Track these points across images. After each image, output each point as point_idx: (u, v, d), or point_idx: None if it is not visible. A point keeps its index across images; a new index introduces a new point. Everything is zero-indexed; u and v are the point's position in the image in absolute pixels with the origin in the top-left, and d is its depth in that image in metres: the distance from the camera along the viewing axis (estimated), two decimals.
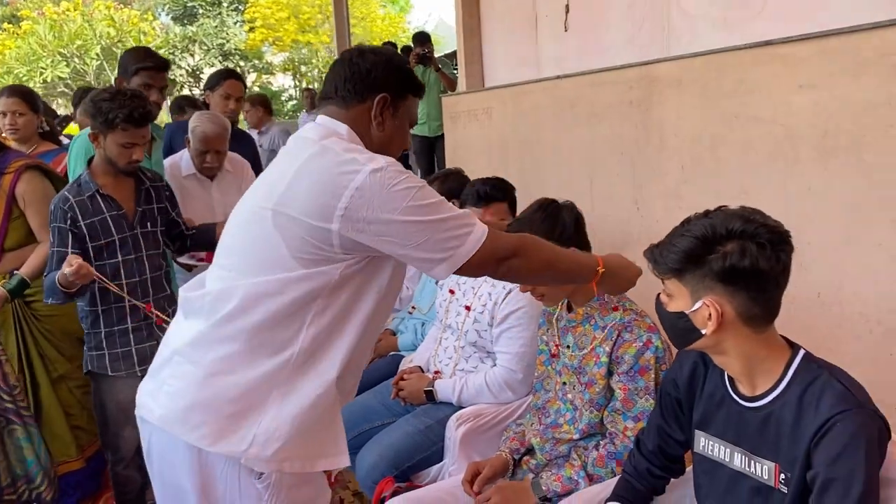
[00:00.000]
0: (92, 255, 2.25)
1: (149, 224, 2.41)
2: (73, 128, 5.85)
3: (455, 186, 2.83)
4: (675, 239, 1.33)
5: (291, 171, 1.38)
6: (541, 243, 1.49)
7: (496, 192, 2.39)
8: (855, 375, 2.50)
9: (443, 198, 1.39)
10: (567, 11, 4.12)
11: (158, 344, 2.15)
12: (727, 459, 1.39)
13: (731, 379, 1.41)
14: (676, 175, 3.36)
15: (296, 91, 23.12)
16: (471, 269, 1.38)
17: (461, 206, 2.45)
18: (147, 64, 2.78)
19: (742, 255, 1.25)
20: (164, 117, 8.68)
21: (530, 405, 2.07)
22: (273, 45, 21.44)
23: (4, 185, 2.59)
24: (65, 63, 17.45)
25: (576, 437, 1.86)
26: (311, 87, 13.46)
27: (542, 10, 4.65)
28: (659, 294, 1.44)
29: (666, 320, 1.39)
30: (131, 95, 2.25)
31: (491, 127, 5.32)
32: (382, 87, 1.47)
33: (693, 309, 1.30)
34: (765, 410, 1.33)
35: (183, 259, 2.79)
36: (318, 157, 1.37)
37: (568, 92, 4.24)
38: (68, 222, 2.23)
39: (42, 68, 17.12)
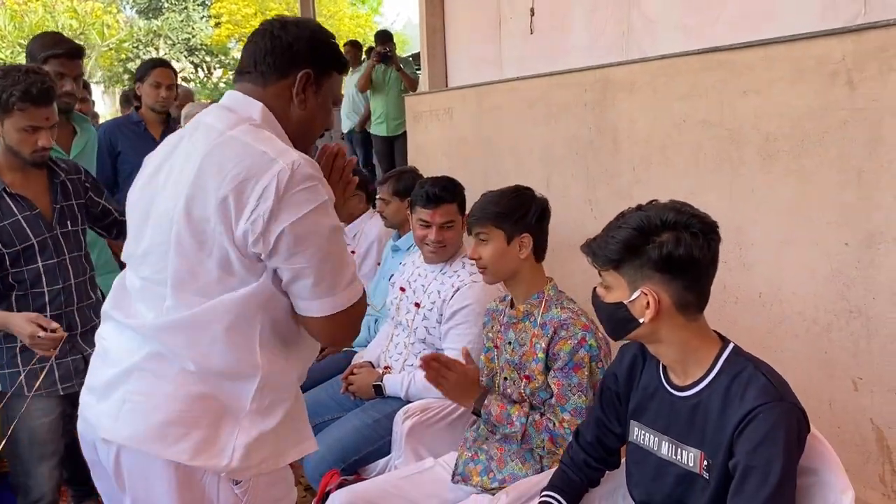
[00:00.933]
0: (8, 263, 2.00)
1: (69, 223, 2.15)
2: None
3: (409, 185, 2.86)
4: (612, 231, 1.38)
5: (193, 170, 1.28)
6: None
7: (445, 193, 2.41)
8: (792, 372, 2.59)
9: (340, 226, 1.34)
10: (532, 14, 4.18)
11: (84, 359, 2.07)
12: (656, 448, 1.44)
13: (664, 370, 1.46)
14: (629, 176, 3.43)
15: None
16: (326, 324, 1.34)
17: (411, 207, 2.47)
18: (57, 51, 2.55)
19: (677, 244, 1.31)
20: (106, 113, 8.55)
21: None
22: (239, 41, 21.25)
23: None
24: (24, 54, 17.10)
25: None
26: None
27: (506, 12, 4.70)
28: (595, 288, 1.48)
29: (604, 312, 1.43)
30: (27, 70, 1.96)
31: (452, 127, 5.36)
32: (306, 62, 1.38)
33: (631, 298, 1.35)
34: (693, 399, 1.38)
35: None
36: (222, 150, 1.28)
37: (526, 93, 4.29)
38: None
39: (1, 59, 16.75)
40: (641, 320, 1.35)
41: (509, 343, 1.95)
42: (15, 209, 2.02)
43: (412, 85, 6.48)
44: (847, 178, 2.36)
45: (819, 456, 1.37)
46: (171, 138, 1.43)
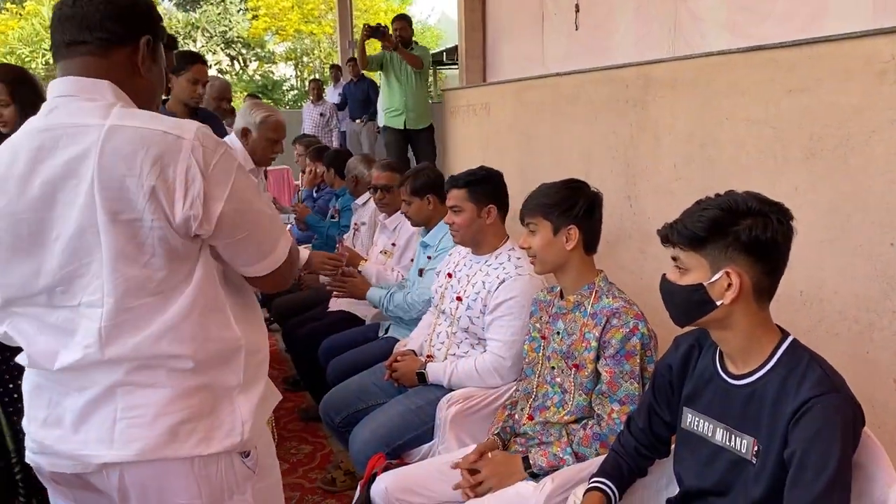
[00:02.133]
0: None
1: None
2: None
3: (426, 182, 2.94)
4: (698, 212, 1.41)
5: (90, 174, 1.16)
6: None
7: (452, 180, 2.52)
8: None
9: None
10: (577, 11, 4.20)
11: None
12: (710, 434, 1.48)
13: (721, 359, 1.49)
14: (669, 173, 3.44)
15: (297, 81, 23.14)
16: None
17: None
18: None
19: (765, 228, 1.36)
20: None
21: (519, 390, 2.15)
22: (276, 34, 21.49)
23: None
24: None
25: (565, 418, 1.94)
26: (318, 78, 13.52)
27: (549, 8, 4.73)
28: (665, 274, 1.51)
29: (677, 296, 1.45)
30: None
31: (489, 122, 5.40)
32: (146, 28, 1.29)
33: (712, 280, 1.38)
34: (750, 388, 1.41)
35: None
36: (117, 140, 1.18)
37: (567, 89, 4.32)
38: None
39: (45, 50, 17.12)
40: (719, 303, 1.38)
41: (558, 333, 1.99)
42: None
43: (415, 63, 6.00)
44: (893, 178, 2.36)
45: (866, 450, 1.39)
46: (6, 155, 1.24)
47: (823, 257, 2.67)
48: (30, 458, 1.35)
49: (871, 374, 2.51)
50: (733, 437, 1.43)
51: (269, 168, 3.66)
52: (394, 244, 3.49)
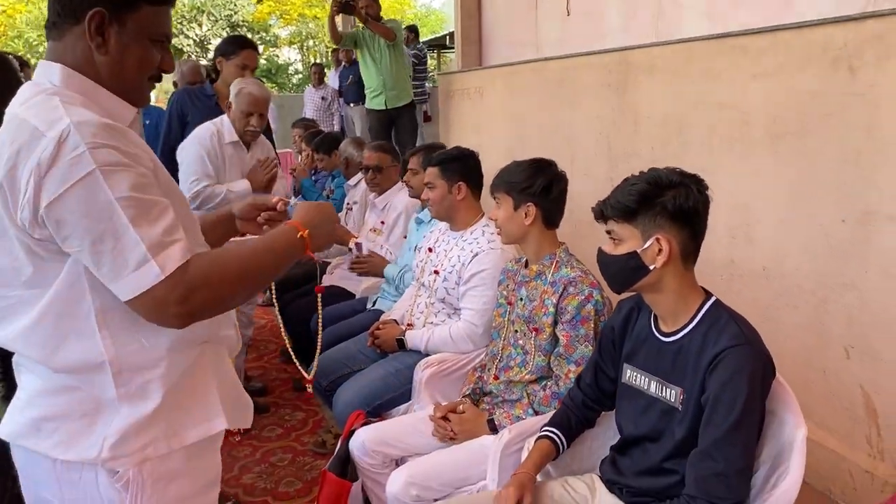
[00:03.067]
0: None
1: None
2: None
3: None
4: (627, 187, 1.57)
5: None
6: (225, 257, 1.22)
7: (426, 159, 2.73)
8: (791, 341, 2.78)
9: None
10: None
11: None
12: (645, 387, 1.64)
13: (655, 320, 1.66)
14: (647, 155, 3.59)
15: (302, 65, 23.22)
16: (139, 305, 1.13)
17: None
18: None
19: (687, 198, 1.53)
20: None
21: (487, 351, 2.32)
22: (280, 17, 21.55)
23: None
24: None
25: (526, 377, 2.11)
26: (319, 62, 13.62)
27: None
28: (601, 248, 1.67)
29: (613, 265, 1.60)
30: None
31: (482, 105, 5.54)
32: (93, 2, 1.18)
33: (645, 246, 1.54)
34: (678, 344, 1.57)
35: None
36: (3, 133, 1.16)
37: (554, 74, 4.45)
38: None
39: None
40: (652, 267, 1.54)
41: (521, 299, 2.16)
42: None
43: (386, 34, 5.89)
44: (846, 158, 2.51)
45: (779, 398, 1.55)
46: None
47: (785, 234, 2.82)
48: None
49: (825, 343, 2.67)
50: (664, 388, 1.59)
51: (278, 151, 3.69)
52: (383, 222, 3.66)
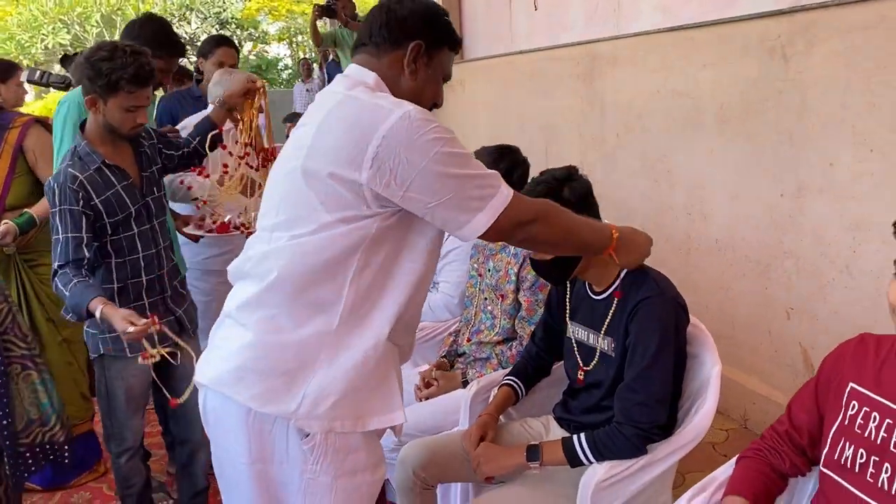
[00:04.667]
0: (109, 231, 2.06)
1: (155, 189, 2.22)
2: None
3: None
4: (532, 191, 1.79)
5: (316, 124, 1.34)
6: (560, 210, 1.47)
7: None
8: (742, 307, 3.06)
9: (470, 152, 1.36)
10: None
11: (175, 319, 2.23)
12: (585, 339, 1.91)
13: (589, 283, 1.92)
14: (613, 141, 3.86)
15: (291, 60, 23.39)
16: (493, 231, 1.33)
17: None
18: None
19: (580, 186, 1.80)
20: None
21: (461, 318, 2.59)
22: (269, 14, 21.71)
23: (10, 140, 2.62)
24: (66, 30, 17.81)
25: (494, 339, 2.38)
26: (307, 57, 13.81)
27: None
28: (531, 256, 1.90)
29: (550, 270, 1.83)
30: (132, 52, 1.99)
31: (464, 98, 5.80)
32: (417, 35, 1.41)
33: None
34: (606, 300, 1.84)
35: (189, 229, 2.71)
36: (343, 106, 1.34)
37: (527, 66, 4.72)
38: (80, 203, 1.98)
39: (43, 35, 17.44)
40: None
41: (489, 270, 2.43)
42: (114, 179, 2.07)
43: None
44: (781, 139, 2.79)
45: (699, 342, 1.82)
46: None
47: (733, 209, 3.10)
48: None
49: (769, 307, 2.95)
50: (598, 338, 1.85)
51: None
52: None
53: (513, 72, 4.93)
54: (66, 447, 2.28)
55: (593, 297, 1.88)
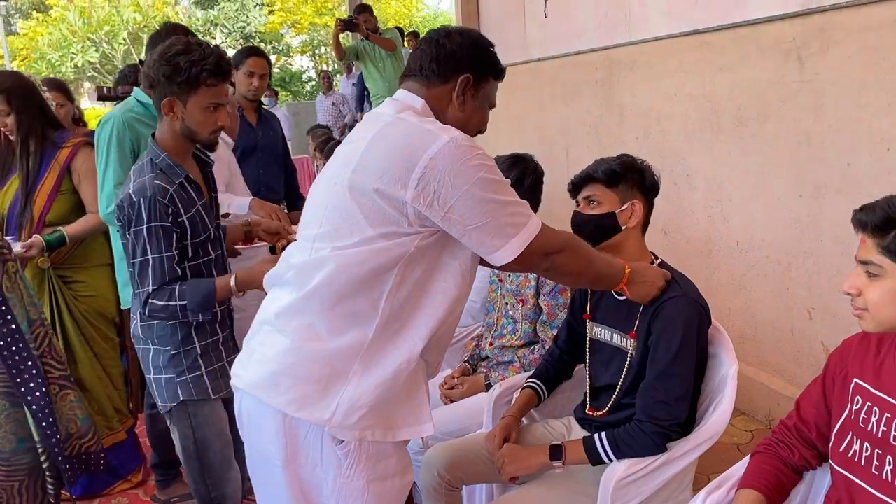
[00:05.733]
0: (190, 254, 1.91)
1: (217, 212, 2.11)
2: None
3: None
4: (609, 160, 1.85)
5: (365, 142, 1.38)
6: (583, 243, 1.57)
7: None
8: (764, 307, 3.08)
9: (507, 180, 1.44)
10: (546, 0, 4.63)
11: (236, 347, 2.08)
12: (607, 339, 1.95)
13: None
14: (632, 144, 3.89)
15: (315, 72, 23.65)
16: (521, 258, 1.40)
17: None
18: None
19: (655, 178, 1.87)
20: None
21: (483, 325, 2.64)
22: (292, 27, 22.01)
23: (60, 159, 2.67)
24: (94, 48, 18.23)
25: (516, 343, 2.43)
26: (327, 69, 13.99)
27: None
28: (577, 210, 1.92)
29: (590, 223, 1.85)
30: (206, 45, 1.90)
31: None
32: (466, 69, 1.47)
33: (622, 209, 1.83)
34: (629, 300, 1.87)
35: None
36: (392, 127, 1.39)
37: (546, 73, 4.77)
38: (170, 218, 1.82)
39: (73, 54, 17.87)
40: (624, 227, 1.84)
41: (509, 276, 2.47)
42: (195, 197, 1.93)
43: (387, 45, 6.32)
44: (799, 139, 2.81)
45: (718, 342, 1.86)
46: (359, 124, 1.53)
47: (753, 210, 3.12)
48: None
49: (791, 307, 2.96)
50: (620, 338, 1.90)
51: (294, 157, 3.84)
52: None
53: (533, 79, 4.98)
54: (102, 456, 2.35)
55: (616, 296, 1.92)
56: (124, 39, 18.30)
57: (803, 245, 2.86)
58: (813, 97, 2.72)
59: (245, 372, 1.48)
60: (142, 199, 1.81)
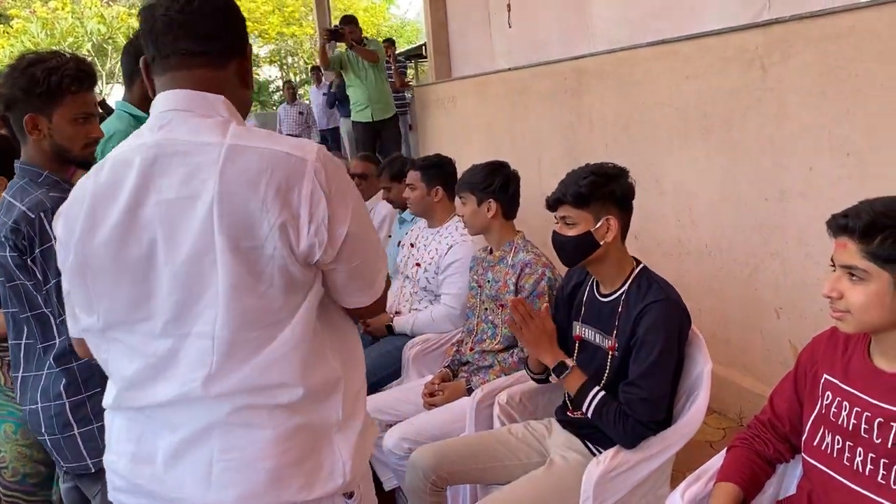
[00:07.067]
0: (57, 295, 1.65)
1: None
2: None
3: (401, 167, 3.47)
4: (579, 179, 1.90)
5: (212, 197, 1.08)
6: None
7: (409, 164, 3.19)
8: (733, 309, 3.16)
9: None
10: (509, 10, 4.72)
11: None
12: (591, 338, 2.01)
13: (595, 285, 2.03)
14: (602, 152, 3.98)
15: (282, 82, 23.58)
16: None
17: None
18: None
19: (627, 186, 1.92)
20: None
21: (463, 329, 2.70)
22: (259, 37, 21.91)
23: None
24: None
25: (497, 347, 2.48)
26: (290, 80, 13.98)
27: (493, 7, 5.24)
28: (555, 230, 1.99)
29: (569, 244, 1.92)
30: (60, 53, 1.72)
31: (456, 114, 5.93)
32: (245, 36, 1.24)
33: (597, 227, 1.89)
34: (614, 302, 1.95)
35: None
36: (239, 164, 1.10)
37: (516, 83, 4.85)
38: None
39: None
40: (602, 242, 1.90)
41: (489, 281, 2.53)
42: None
43: (370, 57, 6.41)
44: (763, 145, 2.91)
45: (693, 343, 1.93)
46: (110, 175, 1.15)
47: (720, 215, 3.21)
48: (113, 496, 1.27)
49: (759, 307, 3.06)
50: (603, 338, 1.96)
51: None
52: None
53: (503, 88, 5.06)
54: None
55: (601, 298, 1.99)
56: (88, 51, 18.03)
57: (769, 247, 2.96)
58: (776, 104, 2.82)
59: (217, 488, 1.18)
60: (42, 214, 1.62)
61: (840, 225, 1.35)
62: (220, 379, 1.13)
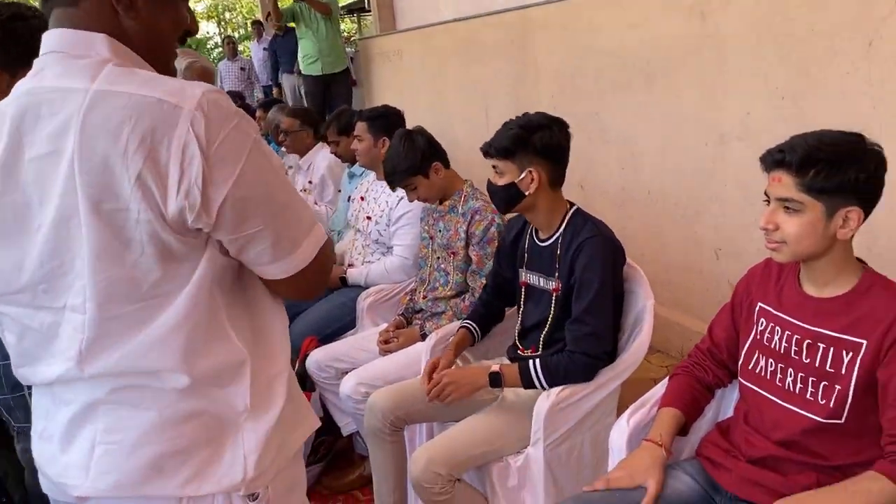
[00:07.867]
0: None
1: None
2: None
3: (349, 121, 3.44)
4: (505, 132, 1.95)
5: (72, 152, 0.93)
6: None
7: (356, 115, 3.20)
8: (676, 252, 3.27)
9: None
10: None
11: None
12: (535, 282, 2.08)
13: (535, 232, 2.09)
14: (548, 102, 4.03)
15: (220, 38, 22.89)
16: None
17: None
18: None
19: (551, 138, 1.94)
20: None
21: (416, 279, 2.74)
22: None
23: None
24: None
25: (449, 293, 2.54)
26: (231, 34, 13.57)
27: None
28: (489, 179, 2.07)
29: (498, 193, 2.00)
30: (39, 12, 1.53)
31: (402, 67, 5.89)
32: None
33: (521, 178, 1.94)
34: (552, 246, 2.01)
35: None
36: (102, 112, 0.93)
37: (462, 34, 4.84)
38: None
39: None
40: (527, 193, 1.95)
41: (440, 231, 2.58)
42: None
43: (323, 9, 6.33)
44: (702, 91, 2.99)
45: (634, 279, 2.01)
46: None
47: (662, 161, 3.30)
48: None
49: (699, 249, 3.18)
50: (547, 280, 2.03)
51: None
52: (311, 182, 4.02)
53: (450, 39, 5.05)
54: None
55: (540, 244, 2.05)
56: None
57: (709, 191, 3.07)
58: (715, 51, 2.90)
59: (95, 475, 1.06)
60: None
61: (776, 160, 1.41)
62: (92, 359, 1.01)
